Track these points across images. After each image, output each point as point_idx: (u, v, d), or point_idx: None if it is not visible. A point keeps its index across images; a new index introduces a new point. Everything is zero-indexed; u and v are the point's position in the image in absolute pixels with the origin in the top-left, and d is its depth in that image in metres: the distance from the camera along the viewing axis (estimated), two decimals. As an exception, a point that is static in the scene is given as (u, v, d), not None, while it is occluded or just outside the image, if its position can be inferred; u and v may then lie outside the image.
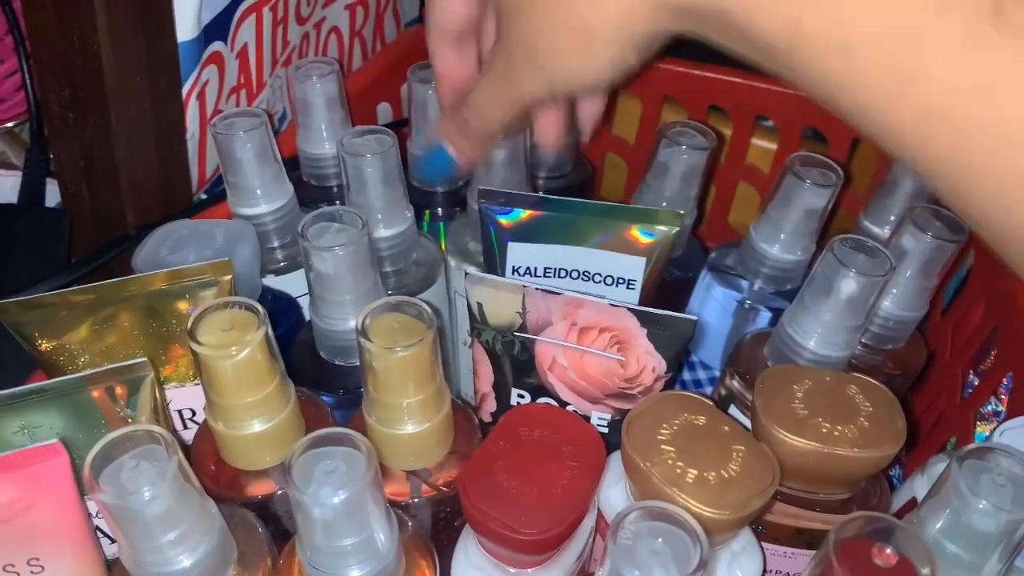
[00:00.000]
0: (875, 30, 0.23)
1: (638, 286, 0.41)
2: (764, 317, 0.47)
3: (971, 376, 0.51)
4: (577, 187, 0.55)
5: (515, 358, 0.37)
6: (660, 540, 0.26)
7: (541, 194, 0.41)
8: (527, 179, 0.47)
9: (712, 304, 0.48)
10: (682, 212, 0.40)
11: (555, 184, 0.54)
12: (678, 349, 0.35)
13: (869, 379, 0.35)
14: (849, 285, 0.37)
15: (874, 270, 0.37)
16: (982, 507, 0.28)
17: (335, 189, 0.51)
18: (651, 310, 0.34)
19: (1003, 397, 0.47)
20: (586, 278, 0.41)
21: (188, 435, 0.41)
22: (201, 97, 0.49)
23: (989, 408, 0.50)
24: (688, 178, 0.45)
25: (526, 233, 0.41)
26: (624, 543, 0.26)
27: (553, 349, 0.36)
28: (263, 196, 0.45)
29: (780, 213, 0.44)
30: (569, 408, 0.38)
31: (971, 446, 0.29)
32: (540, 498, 0.30)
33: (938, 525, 0.29)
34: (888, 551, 0.25)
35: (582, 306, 0.35)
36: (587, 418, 0.38)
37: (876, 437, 0.33)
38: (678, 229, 0.39)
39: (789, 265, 0.45)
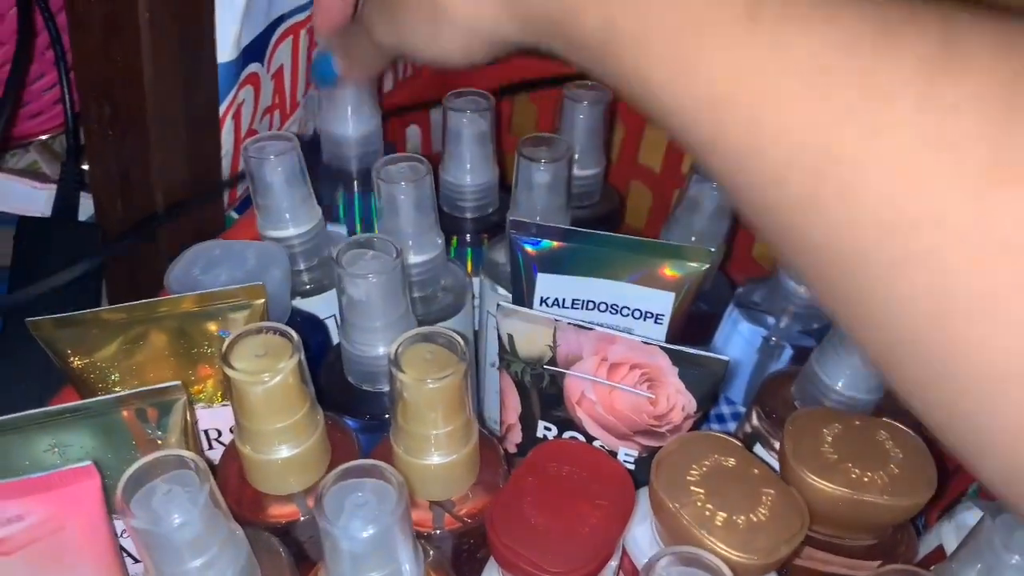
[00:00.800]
0: (666, 24, 0.25)
1: (666, 321, 0.41)
2: (787, 354, 0.47)
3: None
4: (605, 217, 0.55)
5: (543, 391, 0.37)
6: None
7: (571, 227, 0.41)
8: (567, 206, 0.47)
9: (738, 339, 0.48)
10: (712, 249, 0.40)
11: (582, 214, 0.54)
12: (709, 389, 0.35)
13: (899, 425, 0.35)
14: None
15: (821, 303, 0.36)
16: (1015, 562, 0.27)
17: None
18: (683, 348, 0.34)
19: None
20: (614, 311, 0.41)
21: (214, 455, 0.41)
22: (237, 117, 0.50)
23: None
24: (718, 214, 0.45)
25: (555, 264, 0.41)
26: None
27: (582, 384, 0.36)
28: (291, 220, 0.45)
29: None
30: (596, 443, 0.38)
31: (999, 515, 0.29)
32: (568, 536, 0.30)
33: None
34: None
35: (614, 342, 0.35)
36: (614, 454, 0.38)
37: (907, 485, 0.33)
38: (708, 266, 0.39)
39: (817, 305, 0.45)
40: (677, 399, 0.35)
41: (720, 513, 0.31)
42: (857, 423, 0.35)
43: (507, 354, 0.37)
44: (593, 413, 0.37)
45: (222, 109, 0.48)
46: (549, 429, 0.38)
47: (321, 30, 0.46)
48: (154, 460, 0.29)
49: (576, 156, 0.52)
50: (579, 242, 0.40)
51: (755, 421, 0.41)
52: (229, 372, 0.32)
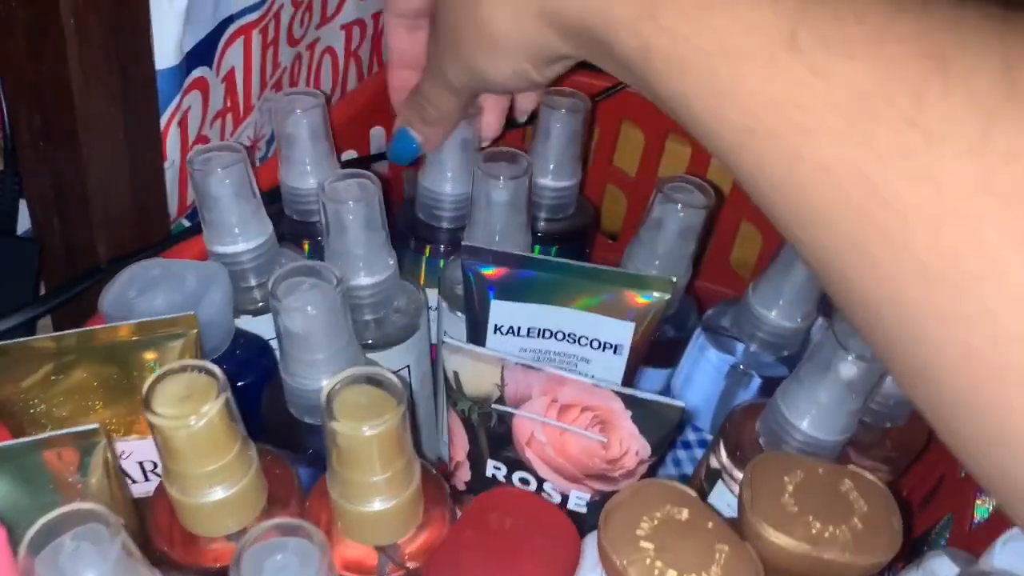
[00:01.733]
0: (702, 49, 0.24)
1: (625, 352, 0.39)
2: (756, 383, 0.45)
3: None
4: (580, 230, 0.53)
5: (492, 430, 0.35)
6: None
7: (527, 254, 0.39)
8: (527, 222, 0.45)
9: (705, 366, 0.46)
10: (674, 279, 0.38)
11: (556, 227, 0.52)
12: (664, 434, 0.33)
13: (864, 474, 0.33)
14: (848, 369, 0.35)
15: (876, 355, 0.35)
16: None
17: (318, 225, 0.49)
18: (637, 393, 0.32)
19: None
20: (571, 340, 0.39)
21: (150, 487, 0.39)
22: (183, 124, 0.47)
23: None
24: (684, 236, 0.43)
25: (511, 291, 0.39)
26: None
27: (532, 424, 0.34)
28: (240, 234, 0.43)
29: (780, 276, 0.42)
30: (547, 484, 0.36)
31: (974, 570, 0.27)
32: (508, 597, 0.29)
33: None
34: None
35: (564, 383, 0.33)
36: (566, 497, 0.36)
37: (870, 541, 0.31)
38: (669, 296, 0.37)
39: (787, 332, 0.43)
40: (631, 443, 0.33)
41: (670, 571, 0.29)
42: (821, 471, 0.33)
43: (453, 392, 0.35)
44: (543, 455, 0.35)
45: (165, 117, 0.45)
46: (499, 468, 0.36)
47: (395, 76, 0.46)
48: (63, 514, 0.27)
49: (552, 167, 0.49)
50: (536, 269, 0.38)
51: (719, 457, 0.39)
52: (150, 417, 0.30)
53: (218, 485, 0.33)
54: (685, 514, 0.31)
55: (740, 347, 0.45)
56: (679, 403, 0.32)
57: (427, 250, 0.51)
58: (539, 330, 0.39)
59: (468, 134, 0.46)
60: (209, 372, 0.31)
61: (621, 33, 0.26)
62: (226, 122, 0.53)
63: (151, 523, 0.36)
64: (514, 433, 0.35)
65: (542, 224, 0.51)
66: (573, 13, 0.28)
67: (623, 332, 0.38)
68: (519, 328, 0.39)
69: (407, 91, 0.43)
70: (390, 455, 0.31)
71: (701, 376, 0.46)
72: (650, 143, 0.60)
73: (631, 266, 0.44)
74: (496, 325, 0.39)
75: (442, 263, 0.50)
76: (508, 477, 0.37)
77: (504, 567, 0.29)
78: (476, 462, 0.37)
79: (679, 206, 0.42)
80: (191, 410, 0.30)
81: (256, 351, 0.42)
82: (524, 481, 0.36)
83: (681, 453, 0.48)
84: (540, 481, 0.36)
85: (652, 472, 0.34)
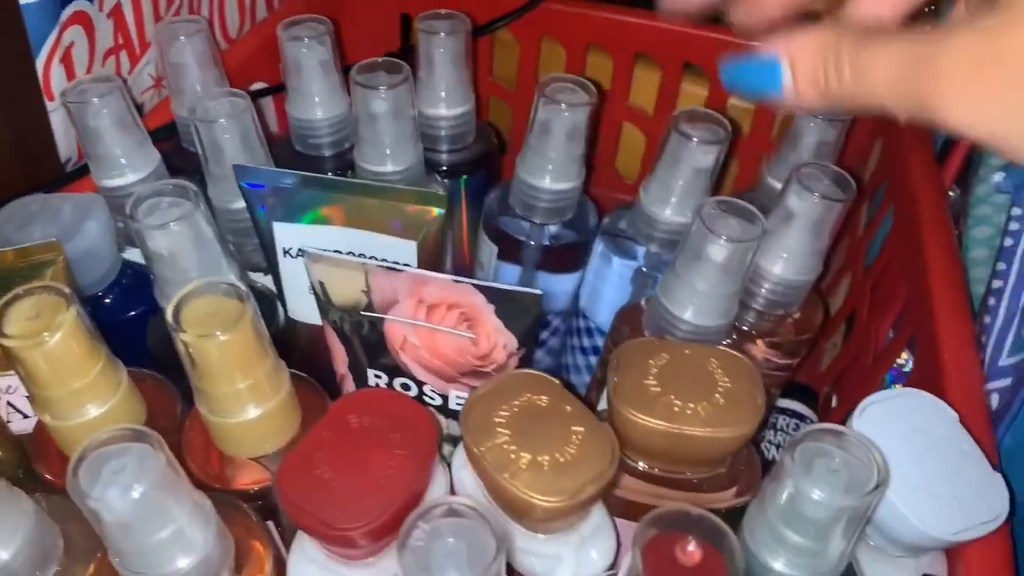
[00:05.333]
0: None
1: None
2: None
3: (891, 335, 0.49)
4: (483, 157, 0.52)
5: (365, 339, 0.35)
6: (452, 540, 0.24)
7: (302, 172, 0.38)
8: (415, 132, 0.44)
9: (609, 274, 0.45)
10: (443, 193, 0.37)
11: (458, 157, 0.51)
12: (528, 325, 0.33)
13: (731, 352, 0.33)
14: (719, 252, 0.35)
15: (745, 234, 0.34)
16: (815, 496, 0.26)
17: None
18: (496, 285, 0.32)
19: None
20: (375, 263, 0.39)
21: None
22: (66, 61, 0.46)
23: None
24: (572, 137, 0.42)
25: (290, 213, 0.38)
26: (416, 545, 0.24)
27: (403, 328, 0.34)
28: (127, 166, 0.42)
29: (668, 173, 0.42)
30: (427, 388, 0.36)
31: (808, 429, 0.27)
32: (359, 489, 0.29)
33: (776, 512, 0.27)
34: (691, 548, 0.23)
35: (427, 283, 0.33)
36: (446, 397, 0.36)
37: (731, 415, 0.31)
38: (443, 211, 0.36)
39: (682, 229, 0.43)
40: (497, 337, 0.33)
41: (524, 454, 0.29)
42: (687, 352, 0.33)
43: (323, 303, 0.35)
44: (418, 357, 0.35)
45: (43, 54, 0.44)
46: (379, 377, 0.36)
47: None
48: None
49: (442, 95, 0.48)
50: (311, 188, 0.37)
51: (606, 355, 0.39)
52: (3, 342, 0.30)
53: (89, 404, 0.33)
54: (545, 400, 0.31)
55: (640, 250, 0.45)
56: (537, 291, 0.31)
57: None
58: (330, 252, 0.38)
59: (325, 55, 0.45)
60: (58, 292, 0.31)
61: None
62: (121, 59, 0.52)
63: (36, 453, 0.36)
64: (387, 339, 0.35)
65: (444, 156, 0.50)
66: None
67: (407, 251, 0.37)
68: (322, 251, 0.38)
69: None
70: (246, 363, 0.31)
71: (607, 285, 0.46)
72: (525, 50, 0.60)
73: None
74: (285, 248, 0.38)
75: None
76: (390, 385, 0.37)
77: (360, 463, 0.29)
78: (358, 373, 0.37)
79: (563, 105, 0.41)
80: (41, 327, 0.30)
81: (144, 282, 0.42)
82: (405, 387, 0.36)
83: (590, 359, 0.48)
84: (420, 385, 0.36)
85: (525, 365, 0.34)
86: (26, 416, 0.39)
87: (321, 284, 0.34)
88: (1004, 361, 0.37)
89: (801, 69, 0.25)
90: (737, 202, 0.35)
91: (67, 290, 0.31)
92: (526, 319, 0.33)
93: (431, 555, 0.24)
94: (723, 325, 0.37)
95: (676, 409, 0.31)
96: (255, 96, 0.53)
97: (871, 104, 0.24)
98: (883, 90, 0.23)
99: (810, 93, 0.25)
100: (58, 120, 0.47)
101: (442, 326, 0.33)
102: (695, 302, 0.36)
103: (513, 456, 0.29)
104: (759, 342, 0.41)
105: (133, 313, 0.41)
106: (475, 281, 0.32)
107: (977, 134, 0.22)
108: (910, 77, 0.23)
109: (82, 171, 0.46)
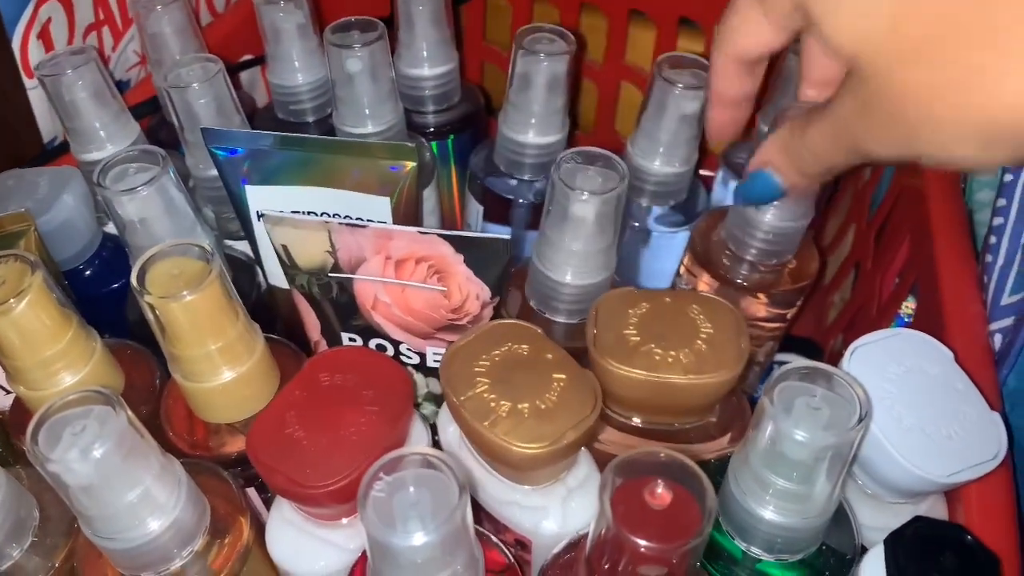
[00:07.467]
0: None
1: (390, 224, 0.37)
2: (655, 235, 0.44)
3: (897, 282, 0.47)
4: (470, 116, 0.51)
5: (335, 301, 0.34)
6: (413, 489, 0.23)
7: (272, 132, 0.37)
8: (394, 91, 0.43)
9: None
10: (413, 145, 0.35)
11: (444, 117, 0.50)
12: (498, 272, 0.32)
13: (712, 296, 0.32)
14: (582, 208, 0.33)
15: (606, 185, 0.33)
16: (797, 436, 0.25)
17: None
18: (462, 233, 0.31)
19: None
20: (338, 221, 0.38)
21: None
22: (44, 37, 0.46)
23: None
24: (553, 88, 0.41)
25: (262, 175, 0.37)
26: (377, 496, 0.23)
27: (373, 287, 0.33)
28: (107, 139, 0.42)
29: (653, 124, 0.40)
30: (403, 347, 0.35)
31: (786, 368, 0.26)
32: (330, 447, 0.28)
33: (759, 456, 0.26)
34: (660, 490, 0.22)
35: (392, 237, 0.32)
36: (423, 355, 0.35)
37: (714, 361, 0.30)
38: (415, 164, 0.35)
39: (671, 179, 0.42)
40: (469, 287, 0.32)
41: (504, 402, 0.28)
42: (667, 300, 0.32)
43: (288, 267, 0.34)
44: (390, 316, 0.34)
45: (19, 30, 0.44)
46: (354, 340, 0.36)
47: (719, 131, 0.34)
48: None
49: (424, 55, 0.47)
50: (281, 147, 0.36)
51: (685, 262, 0.38)
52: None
53: (62, 372, 0.32)
54: (526, 349, 0.30)
55: (632, 205, 0.43)
56: (503, 236, 0.30)
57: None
58: (303, 213, 0.37)
59: (302, 19, 0.44)
60: (23, 259, 0.31)
61: None
62: (103, 35, 0.51)
63: (16, 427, 0.36)
64: (358, 299, 0.34)
65: (430, 118, 0.49)
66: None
67: (381, 207, 0.36)
68: (282, 213, 0.37)
69: (727, 129, 0.34)
70: (216, 324, 0.30)
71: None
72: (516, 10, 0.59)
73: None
74: (258, 212, 0.38)
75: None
76: (366, 347, 0.36)
77: (331, 420, 0.29)
78: (332, 338, 0.36)
79: (542, 55, 0.40)
80: (8, 294, 0.30)
81: (125, 255, 0.42)
82: (381, 348, 0.35)
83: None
84: (396, 344, 0.35)
85: (498, 316, 0.33)
86: (9, 392, 0.39)
87: (284, 248, 0.33)
88: (1006, 300, 0.35)
89: (782, 170, 0.31)
90: (594, 151, 0.33)
91: (32, 257, 0.30)
92: (496, 266, 0.32)
93: (393, 506, 0.23)
94: (606, 278, 0.35)
95: (657, 358, 0.30)
96: (239, 68, 0.52)
97: (838, 165, 0.29)
98: (832, 153, 0.28)
99: (800, 181, 0.31)
100: (39, 98, 0.47)
101: (412, 281, 0.33)
102: (572, 263, 0.34)
103: (493, 404, 0.28)
104: (760, 295, 0.40)
105: (115, 286, 0.40)
106: (440, 231, 0.31)
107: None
108: (839, 134, 0.28)
109: (63, 148, 0.46)
